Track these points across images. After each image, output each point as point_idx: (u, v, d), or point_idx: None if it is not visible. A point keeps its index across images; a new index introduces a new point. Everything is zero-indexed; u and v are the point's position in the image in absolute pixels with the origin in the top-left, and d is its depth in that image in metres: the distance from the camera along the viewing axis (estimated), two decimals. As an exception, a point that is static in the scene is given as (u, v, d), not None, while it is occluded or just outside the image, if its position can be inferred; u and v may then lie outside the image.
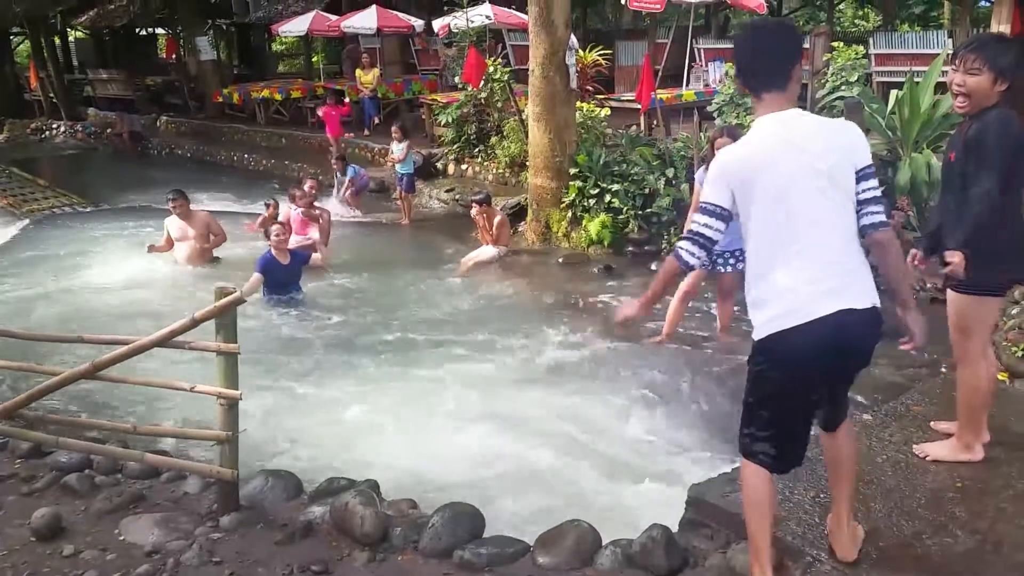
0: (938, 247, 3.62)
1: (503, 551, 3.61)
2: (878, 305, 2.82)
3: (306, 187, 9.67)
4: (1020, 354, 5.34)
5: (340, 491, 4.08)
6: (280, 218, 9.48)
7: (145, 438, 4.80)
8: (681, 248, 2.93)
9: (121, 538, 3.84)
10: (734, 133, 6.32)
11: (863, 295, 2.79)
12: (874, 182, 2.83)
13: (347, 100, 16.03)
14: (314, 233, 9.41)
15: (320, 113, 15.27)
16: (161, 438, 4.96)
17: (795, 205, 2.76)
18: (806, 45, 13.93)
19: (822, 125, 2.87)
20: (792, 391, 2.87)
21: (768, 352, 2.86)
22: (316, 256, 8.45)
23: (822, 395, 2.92)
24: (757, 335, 2.88)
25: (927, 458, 3.83)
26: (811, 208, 2.76)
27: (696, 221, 2.89)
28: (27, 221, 12.28)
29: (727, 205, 2.84)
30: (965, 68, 3.43)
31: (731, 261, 6.42)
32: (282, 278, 7.90)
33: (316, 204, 9.80)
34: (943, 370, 5.65)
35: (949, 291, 3.65)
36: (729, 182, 2.83)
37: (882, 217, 2.83)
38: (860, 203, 2.82)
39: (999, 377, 4.77)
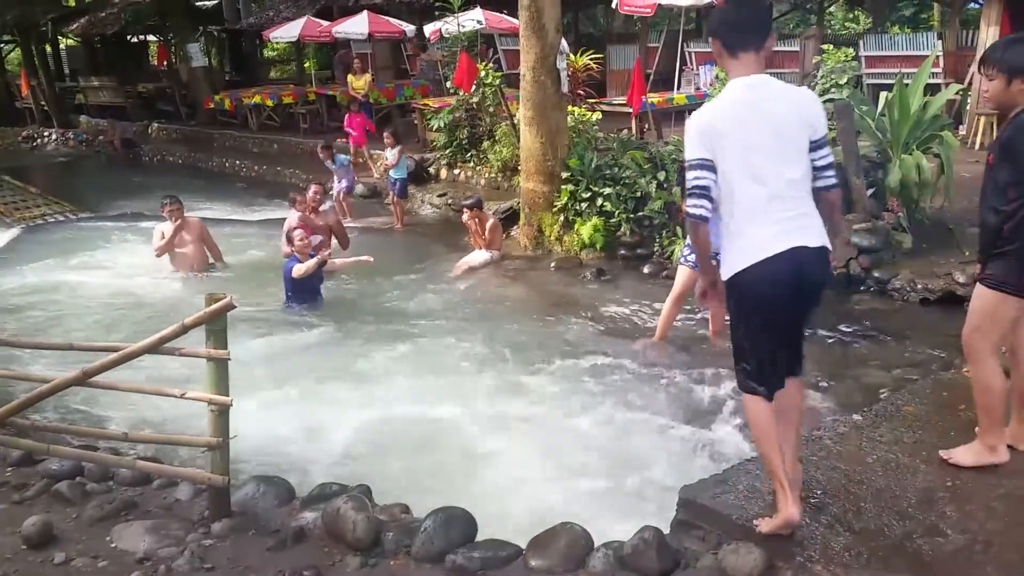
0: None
1: (496, 555, 3.61)
2: (827, 246, 3.18)
3: (310, 193, 9.57)
4: (1007, 349, 5.35)
5: (332, 496, 4.07)
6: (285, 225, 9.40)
7: (136, 445, 4.80)
8: (689, 207, 3.20)
9: (113, 545, 3.83)
10: None
11: (814, 236, 3.15)
12: (827, 150, 3.22)
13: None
14: (316, 239, 9.38)
15: (346, 123, 14.85)
16: (152, 445, 4.94)
17: (760, 161, 3.11)
18: (796, 48, 14.01)
19: (787, 91, 3.20)
20: (761, 319, 3.22)
21: (737, 286, 3.21)
22: (332, 261, 8.41)
23: (786, 326, 3.26)
24: (726, 274, 3.23)
25: (950, 460, 3.79)
26: (774, 164, 3.11)
27: (689, 178, 3.18)
28: (19, 229, 12.25)
29: (709, 156, 3.14)
30: (985, 76, 3.50)
31: (724, 263, 6.43)
32: (305, 284, 7.90)
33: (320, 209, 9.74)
34: (933, 368, 5.67)
35: (978, 284, 3.63)
36: (703, 139, 3.15)
37: (833, 180, 3.26)
38: (816, 168, 3.21)
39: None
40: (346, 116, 14.70)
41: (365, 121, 14.39)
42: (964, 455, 3.80)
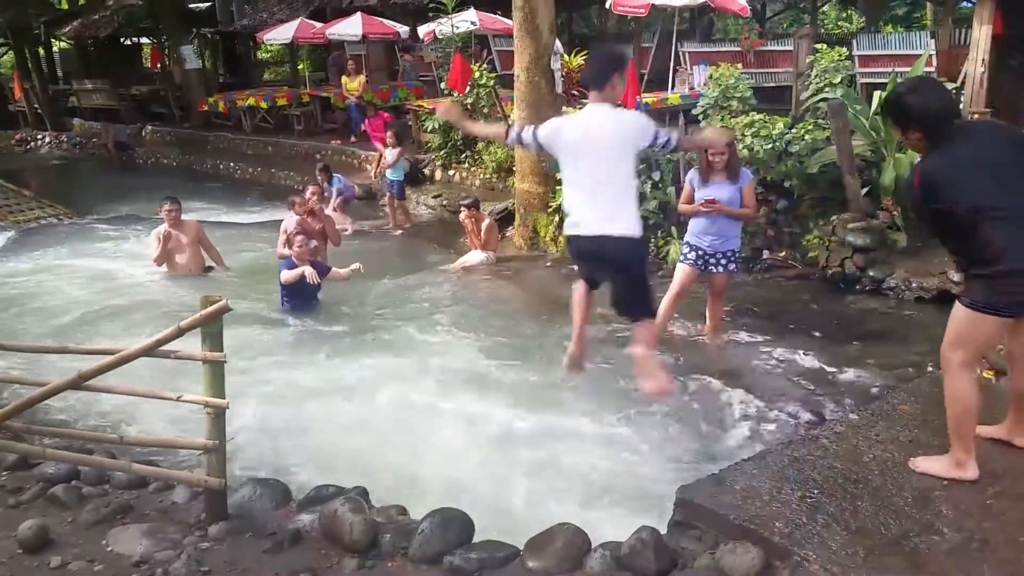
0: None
1: (493, 556, 3.61)
2: (628, 233, 4.28)
3: (307, 194, 9.51)
4: (1005, 351, 5.36)
5: (329, 498, 4.06)
6: (281, 227, 9.32)
7: (132, 448, 4.78)
8: (512, 136, 4.69)
9: (109, 549, 3.81)
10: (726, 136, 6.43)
11: (619, 226, 4.26)
12: (663, 136, 4.40)
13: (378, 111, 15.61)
14: (312, 243, 9.32)
15: (367, 127, 14.66)
16: (148, 448, 4.93)
17: (587, 166, 4.28)
18: (790, 48, 14.01)
19: (612, 116, 4.33)
20: (581, 262, 4.70)
21: (569, 242, 4.58)
22: (337, 270, 8.33)
23: (603, 272, 4.51)
24: (565, 233, 4.59)
25: (917, 469, 3.76)
26: (596, 169, 4.27)
27: (528, 129, 4.56)
28: (13, 232, 12.21)
29: (541, 142, 4.46)
30: None
31: (723, 262, 6.45)
32: (302, 288, 7.82)
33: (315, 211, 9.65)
34: (929, 369, 5.67)
35: (956, 301, 3.60)
36: (547, 140, 4.44)
37: (673, 144, 4.56)
38: (660, 148, 4.46)
39: (985, 375, 4.80)
40: (366, 121, 14.53)
41: (385, 119, 14.23)
42: (931, 465, 3.76)
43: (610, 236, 4.25)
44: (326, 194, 11.43)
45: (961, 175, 3.39)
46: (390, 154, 11.64)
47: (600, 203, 4.25)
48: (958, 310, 3.57)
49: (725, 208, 6.28)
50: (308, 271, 7.70)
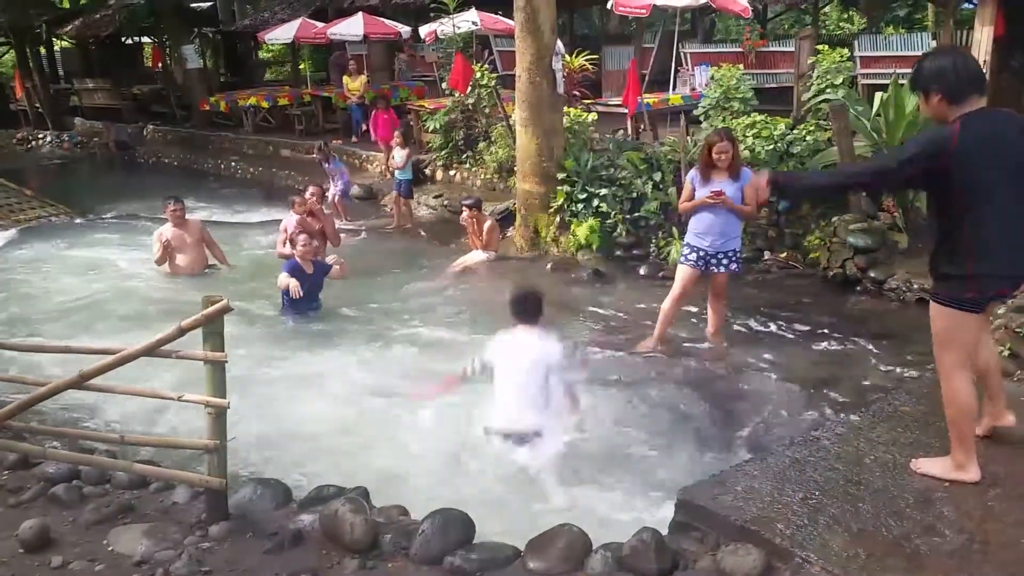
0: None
1: (494, 556, 3.61)
2: (531, 430, 5.02)
3: (308, 194, 9.51)
4: (1007, 353, 5.38)
5: (329, 498, 4.06)
6: (281, 226, 9.31)
7: (133, 448, 4.78)
8: (469, 367, 5.47)
9: (110, 549, 3.82)
10: (729, 136, 6.41)
11: (528, 425, 5.03)
12: (554, 374, 5.15)
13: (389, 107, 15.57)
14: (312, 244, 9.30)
15: (372, 120, 14.72)
16: (149, 447, 4.93)
17: (512, 378, 5.14)
18: (791, 49, 14.01)
19: (537, 341, 5.21)
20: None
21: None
22: (336, 269, 8.31)
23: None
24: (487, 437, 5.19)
25: (918, 470, 3.76)
26: (519, 380, 5.10)
27: (478, 361, 5.39)
28: (14, 231, 12.19)
29: (486, 364, 5.29)
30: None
31: (724, 262, 6.45)
32: (304, 289, 7.79)
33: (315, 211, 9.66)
34: (930, 369, 5.66)
35: (931, 302, 3.60)
36: (489, 353, 5.30)
37: (560, 385, 5.20)
38: (555, 375, 5.14)
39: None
40: (374, 114, 14.53)
41: (393, 118, 14.25)
42: (932, 466, 3.75)
43: (526, 432, 5.04)
44: (325, 188, 11.47)
45: (979, 148, 3.32)
46: (399, 155, 11.69)
47: (520, 403, 5.08)
48: (933, 309, 3.57)
49: (729, 201, 6.28)
50: (292, 286, 7.62)
